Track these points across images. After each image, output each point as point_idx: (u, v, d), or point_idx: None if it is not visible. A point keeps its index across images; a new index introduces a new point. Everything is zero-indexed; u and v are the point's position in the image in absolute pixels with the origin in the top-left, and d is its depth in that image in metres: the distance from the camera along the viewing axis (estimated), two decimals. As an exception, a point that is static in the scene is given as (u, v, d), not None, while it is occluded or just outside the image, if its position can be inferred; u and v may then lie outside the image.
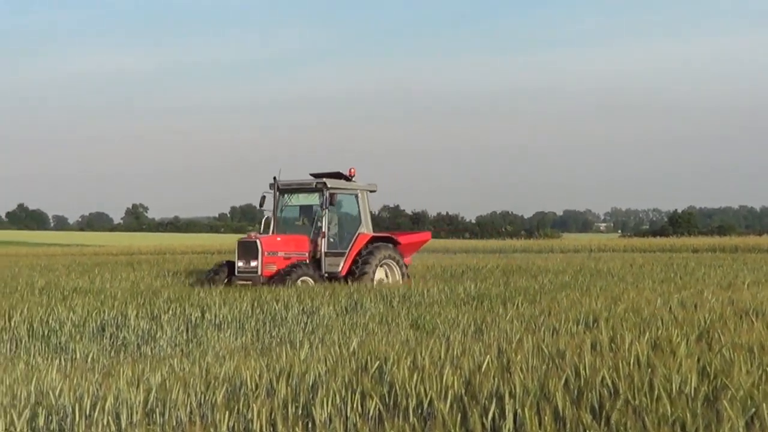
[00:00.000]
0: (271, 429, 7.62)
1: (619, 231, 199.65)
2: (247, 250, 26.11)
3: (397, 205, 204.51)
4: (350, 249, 27.18)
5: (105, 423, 7.88)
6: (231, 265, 26.44)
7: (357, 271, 26.67)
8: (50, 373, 10.27)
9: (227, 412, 7.73)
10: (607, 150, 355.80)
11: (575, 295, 19.43)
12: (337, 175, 27.65)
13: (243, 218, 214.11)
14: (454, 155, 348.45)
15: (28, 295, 21.32)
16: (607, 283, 24.54)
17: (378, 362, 9.59)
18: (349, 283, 24.82)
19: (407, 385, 8.30)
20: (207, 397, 8.55)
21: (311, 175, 27.64)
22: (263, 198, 27.63)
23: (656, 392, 7.72)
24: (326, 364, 9.76)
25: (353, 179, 27.86)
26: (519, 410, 7.54)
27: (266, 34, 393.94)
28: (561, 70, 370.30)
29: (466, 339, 12.70)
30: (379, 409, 8.03)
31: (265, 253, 25.92)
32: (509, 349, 10.49)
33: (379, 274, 27.26)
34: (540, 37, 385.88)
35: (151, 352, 13.85)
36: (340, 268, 26.89)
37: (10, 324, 14.61)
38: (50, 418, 8.04)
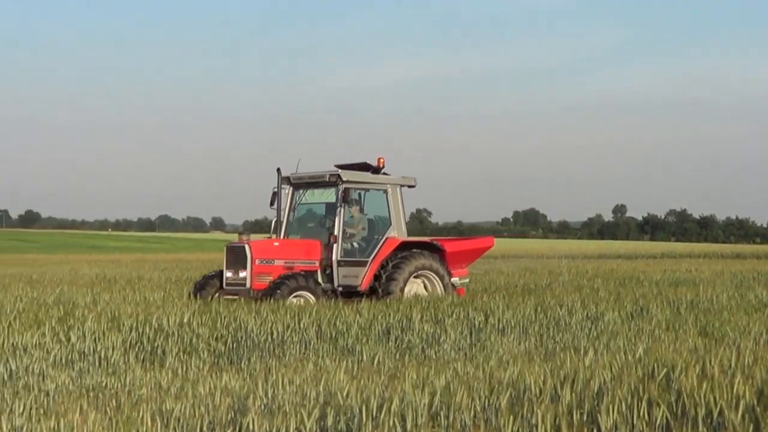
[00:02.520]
0: (556, 435, 7.54)
1: None
2: (236, 257, 21.33)
3: (684, 209, 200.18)
4: (374, 257, 21.89)
5: (391, 424, 7.99)
6: (222, 275, 21.78)
7: (381, 285, 21.50)
8: (338, 374, 10.53)
9: (511, 417, 7.70)
10: None
11: None
12: (364, 167, 22.83)
13: (526, 222, 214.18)
14: (749, 156, 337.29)
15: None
16: None
17: (665, 369, 9.35)
18: (372, 300, 20.13)
19: (696, 394, 8.05)
20: (491, 402, 8.55)
21: (336, 167, 22.65)
22: (274, 194, 22.49)
23: None
24: (611, 371, 9.60)
25: (382, 171, 22.85)
26: (817, 423, 7.19)
27: (555, 40, 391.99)
28: None
29: (758, 347, 12.24)
30: (666, 417, 7.82)
31: (256, 261, 21.14)
32: (805, 359, 10.04)
33: (413, 288, 22.02)
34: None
35: (435, 355, 13.98)
36: (360, 281, 21.69)
37: (300, 326, 15.05)
38: (338, 418, 8.21)
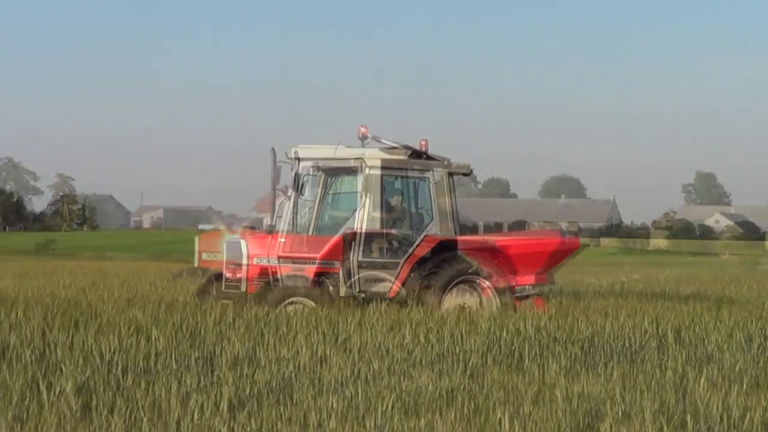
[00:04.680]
0: None
1: None
2: (233, 255, 18.54)
3: None
4: (406, 259, 18.36)
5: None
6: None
7: (413, 293, 18.16)
8: (698, 382, 10.31)
9: None
10: None
11: None
12: (408, 151, 19.15)
13: None
14: None
15: (675, 303, 21.57)
16: None
17: None
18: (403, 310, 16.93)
19: None
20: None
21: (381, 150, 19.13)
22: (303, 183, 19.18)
23: None
24: None
25: (425, 155, 19.23)
26: None
27: None
28: None
29: None
30: None
31: (253, 260, 18.29)
32: None
33: (458, 298, 18.38)
34: None
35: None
36: (388, 287, 18.32)
37: (658, 331, 14.81)
38: (698, 426, 8.05)
